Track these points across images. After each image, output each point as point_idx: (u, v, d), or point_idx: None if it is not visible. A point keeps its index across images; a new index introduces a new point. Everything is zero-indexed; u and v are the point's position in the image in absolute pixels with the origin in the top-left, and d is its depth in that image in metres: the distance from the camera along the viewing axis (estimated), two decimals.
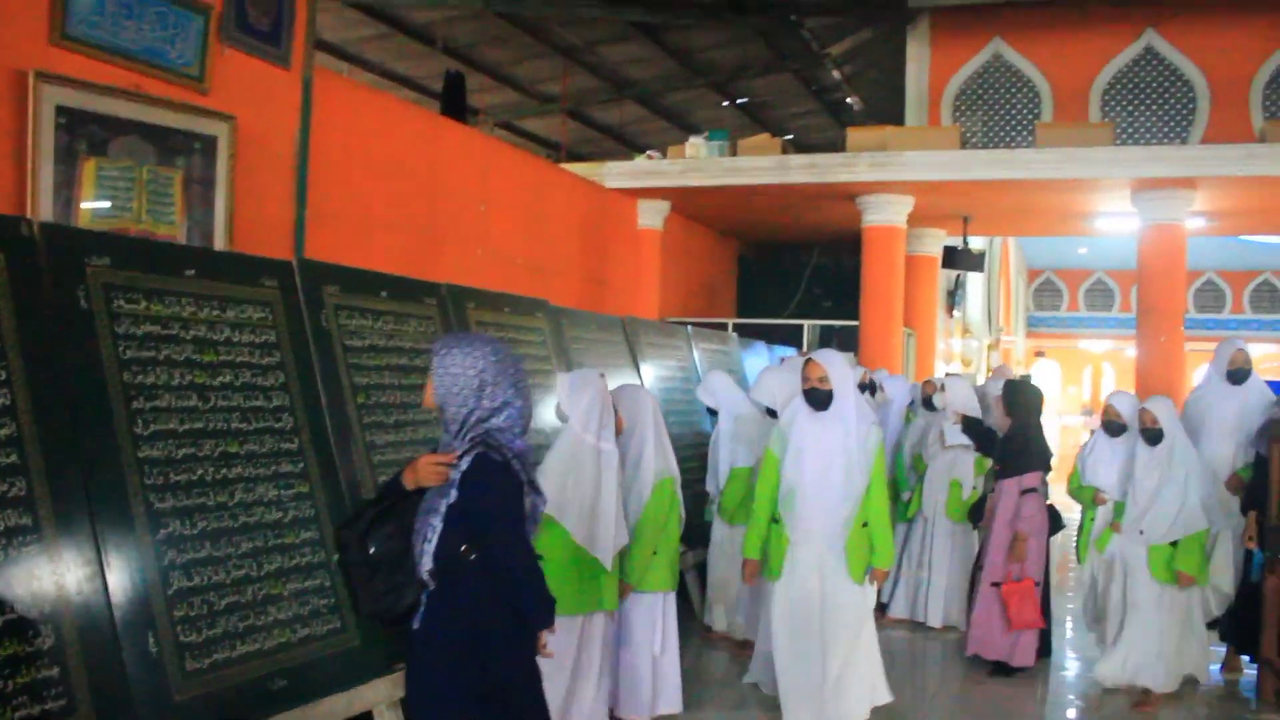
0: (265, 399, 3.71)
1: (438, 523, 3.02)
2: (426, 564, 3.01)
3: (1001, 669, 6.08)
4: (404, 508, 3.16)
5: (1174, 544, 5.50)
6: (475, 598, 3.02)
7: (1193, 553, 5.49)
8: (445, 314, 4.93)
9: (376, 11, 12.12)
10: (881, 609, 7.03)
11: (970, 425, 6.95)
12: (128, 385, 3.19)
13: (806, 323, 12.60)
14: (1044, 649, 6.33)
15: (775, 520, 4.88)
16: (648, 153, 12.43)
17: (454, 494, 3.02)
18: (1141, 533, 5.57)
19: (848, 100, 15.39)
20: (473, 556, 2.99)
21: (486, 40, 13.17)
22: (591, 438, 4.40)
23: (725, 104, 15.83)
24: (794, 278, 14.57)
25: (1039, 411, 6.36)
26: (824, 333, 12.61)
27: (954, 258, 12.52)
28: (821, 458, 4.72)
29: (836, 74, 14.32)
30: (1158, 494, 5.52)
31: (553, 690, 3.83)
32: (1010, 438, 6.16)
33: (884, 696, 5.03)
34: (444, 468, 3.04)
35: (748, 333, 10.73)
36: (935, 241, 13.22)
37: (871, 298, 11.35)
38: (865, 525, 4.72)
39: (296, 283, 4.05)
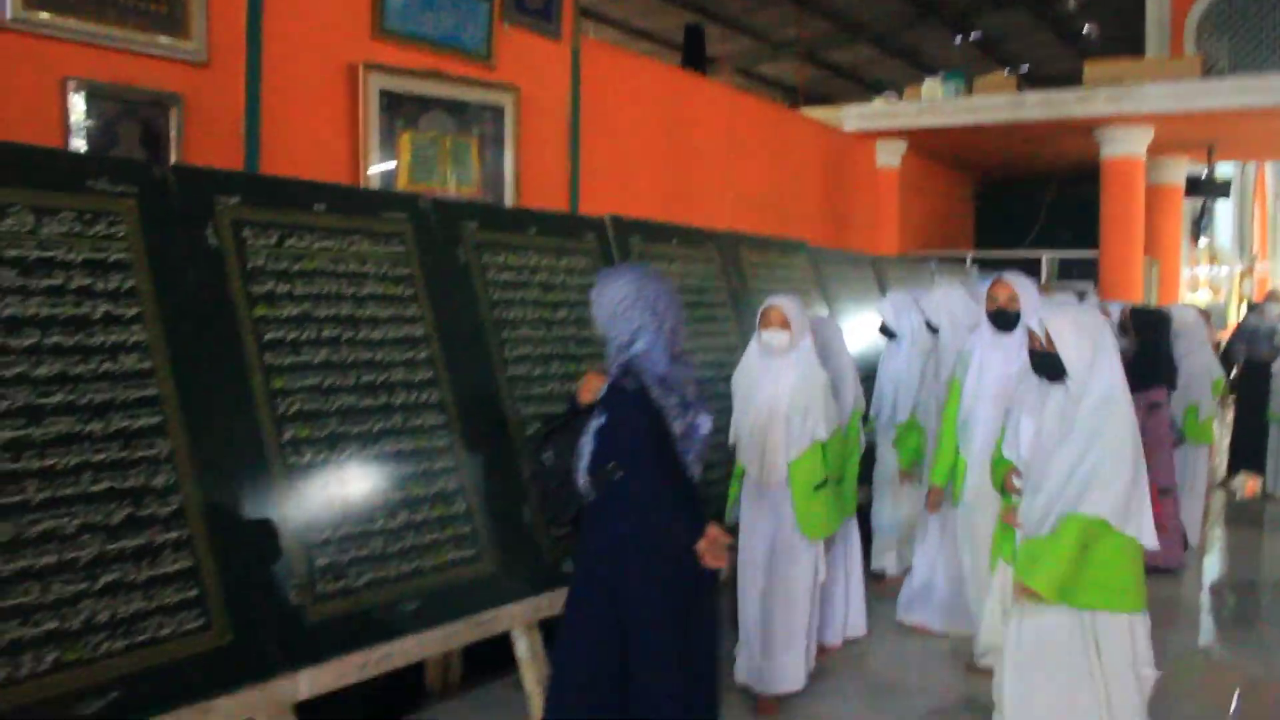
0: (400, 330, 3.74)
1: (590, 440, 3.11)
2: (581, 477, 3.12)
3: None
4: (577, 423, 3.24)
5: None
6: (618, 512, 3.07)
7: None
8: (606, 247, 4.87)
9: None
10: None
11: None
12: (257, 320, 3.30)
13: (1045, 254, 12.67)
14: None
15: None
16: (884, 95, 12.74)
17: (603, 415, 3.10)
18: None
19: (1085, 30, 15.09)
20: (618, 475, 3.03)
21: None
22: None
23: (959, 40, 15.82)
24: (1032, 210, 14.55)
25: (1165, 333, 6.67)
26: (1064, 264, 12.65)
27: (1198, 186, 12.28)
28: (1000, 382, 4.47)
29: (1073, 3, 14.11)
30: None
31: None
32: (1138, 357, 6.30)
33: None
34: (594, 387, 3.19)
35: (986, 265, 10.96)
36: (1178, 169, 12.95)
37: (1111, 229, 11.36)
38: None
39: (430, 217, 4.03)
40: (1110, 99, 10.58)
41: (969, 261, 11.75)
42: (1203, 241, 14.44)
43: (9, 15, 4.49)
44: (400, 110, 6.35)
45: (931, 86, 11.38)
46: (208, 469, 3.03)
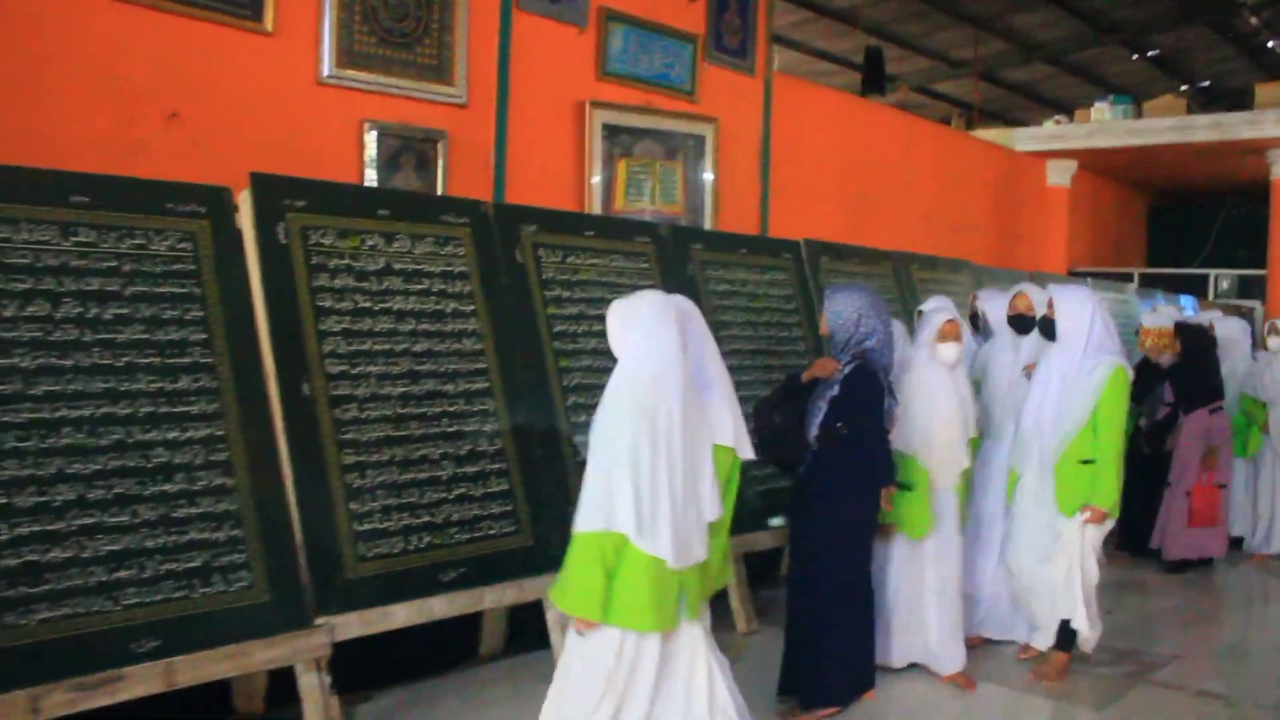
0: (454, 324, 4.18)
1: (824, 406, 4.09)
2: (813, 432, 4.11)
3: (1179, 567, 6.74)
4: (800, 394, 4.20)
5: None
6: (842, 459, 4.05)
7: None
8: (664, 253, 5.23)
9: (803, 1, 13.76)
10: (1237, 543, 7.34)
11: None
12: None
13: (1213, 272, 12.95)
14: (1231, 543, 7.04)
15: None
16: (1055, 118, 13.24)
17: (837, 389, 4.07)
18: None
19: (1269, 45, 15.14)
20: (845, 432, 4.04)
21: (902, 17, 14.42)
22: None
23: (1135, 57, 16.02)
24: (1204, 227, 14.74)
25: (1211, 348, 6.98)
26: (1239, 282, 12.87)
27: None
28: (1038, 386, 4.72)
29: (1254, 19, 14.23)
30: None
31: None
32: (1186, 370, 6.78)
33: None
34: (834, 368, 4.12)
35: (1154, 282, 11.40)
36: None
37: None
38: (1087, 463, 4.51)
39: (490, 220, 4.46)
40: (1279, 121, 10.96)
41: (1135, 278, 12.19)
42: None
43: (326, 73, 5.61)
44: (618, 140, 7.45)
45: (1100, 109, 11.89)
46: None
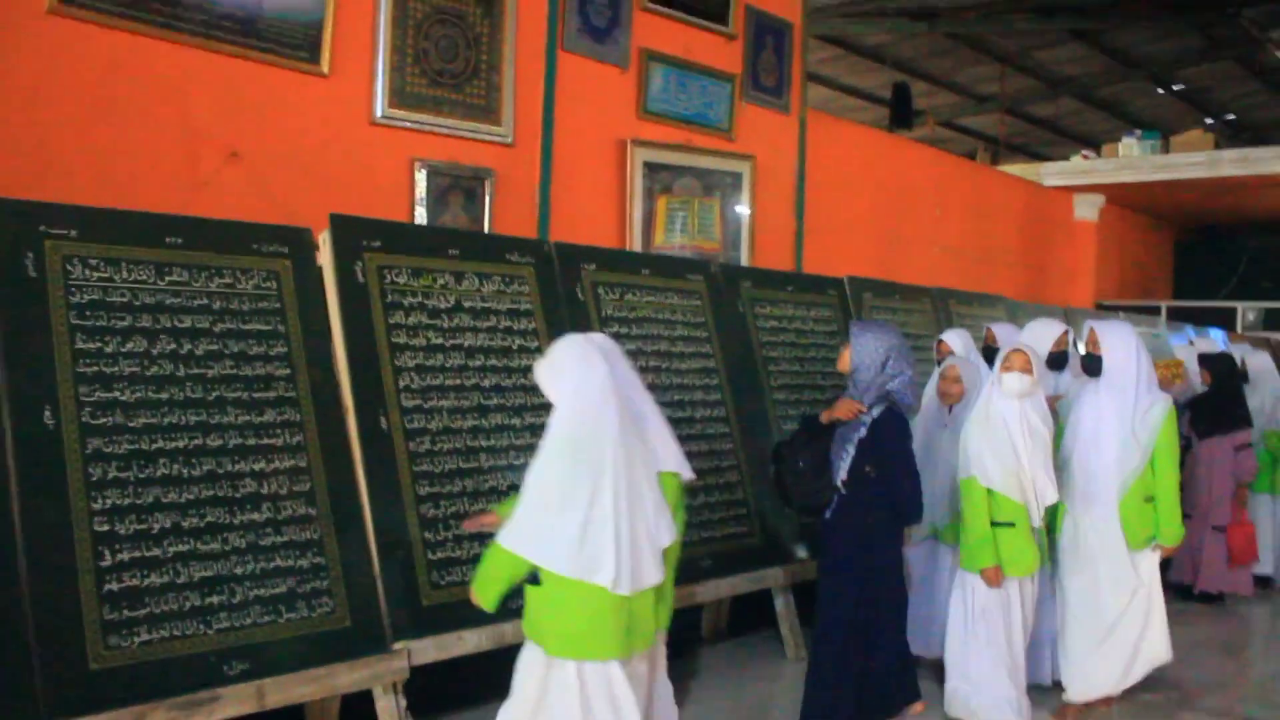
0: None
1: (851, 449, 4.07)
2: (841, 475, 4.09)
3: (1211, 598, 6.79)
4: (821, 436, 4.16)
5: None
6: (871, 500, 4.06)
7: None
8: (715, 290, 5.41)
9: (833, 39, 13.99)
10: (1264, 582, 7.30)
11: None
12: (394, 346, 3.92)
13: (1241, 305, 13.02)
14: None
15: None
16: (1082, 153, 13.39)
17: (864, 431, 4.06)
18: None
19: None
20: (873, 474, 4.05)
21: (930, 54, 14.63)
22: None
23: (1161, 92, 16.17)
24: (1231, 260, 14.81)
25: (1236, 377, 7.02)
26: (1265, 314, 12.94)
27: None
28: (1086, 423, 4.69)
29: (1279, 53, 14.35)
30: None
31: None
32: (1214, 400, 6.83)
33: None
34: (856, 410, 4.07)
35: (1182, 315, 11.48)
36: None
37: None
38: (1149, 500, 4.58)
39: (553, 259, 4.65)
40: None
41: (1163, 311, 12.28)
42: None
43: (379, 114, 5.79)
44: (658, 177, 7.62)
45: (1128, 145, 12.04)
46: None
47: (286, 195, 5.12)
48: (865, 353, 4.11)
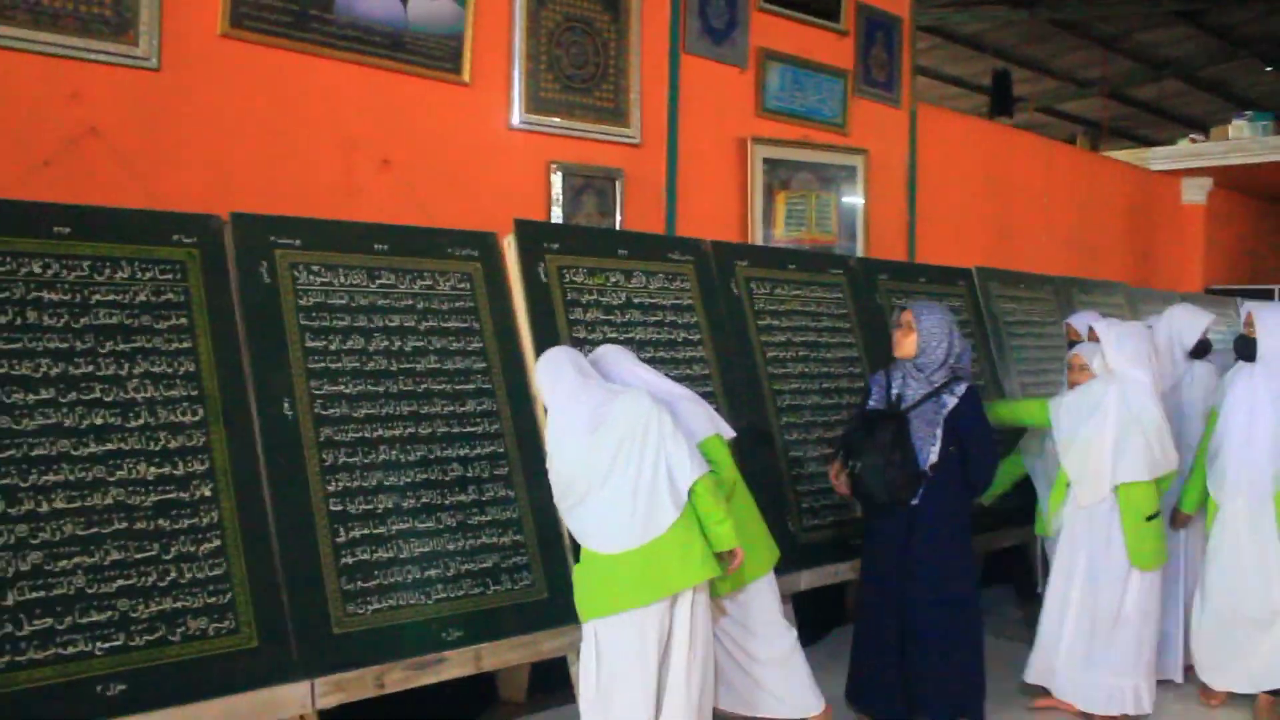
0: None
1: (939, 431, 4.04)
2: (931, 458, 4.04)
3: None
4: (883, 426, 4.07)
5: None
6: (959, 481, 4.08)
7: None
8: (855, 282, 5.64)
9: (930, 29, 14.04)
10: None
11: None
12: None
13: None
14: None
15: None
16: (1190, 136, 13.25)
17: (947, 411, 4.05)
18: None
19: None
20: (955, 453, 4.04)
21: (1029, 40, 14.61)
22: None
23: (1270, 70, 15.88)
24: None
25: None
26: None
27: None
28: (1239, 411, 4.50)
29: None
30: None
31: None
32: None
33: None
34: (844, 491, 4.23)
35: None
36: None
37: None
38: None
39: (710, 257, 4.90)
40: None
41: (1276, 295, 12.14)
42: None
43: (516, 120, 6.06)
44: (776, 173, 7.84)
45: (1239, 126, 11.92)
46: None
47: (431, 199, 5.42)
48: (936, 333, 4.09)
